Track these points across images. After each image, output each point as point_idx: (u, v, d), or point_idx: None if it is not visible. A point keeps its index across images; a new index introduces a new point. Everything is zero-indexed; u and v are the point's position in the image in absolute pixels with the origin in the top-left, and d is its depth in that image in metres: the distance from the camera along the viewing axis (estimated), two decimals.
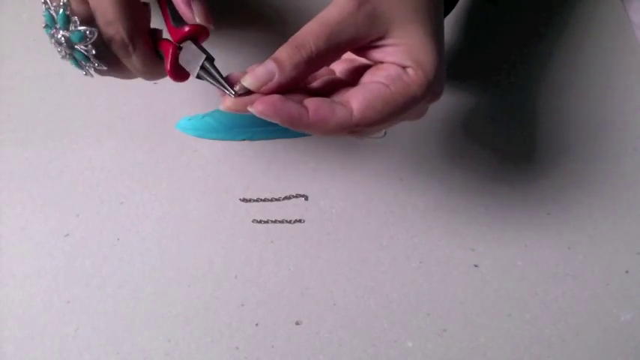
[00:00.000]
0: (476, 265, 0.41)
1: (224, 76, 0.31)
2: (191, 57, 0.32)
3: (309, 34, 0.28)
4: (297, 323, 0.39)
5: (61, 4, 0.30)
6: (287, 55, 0.28)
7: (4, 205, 0.43)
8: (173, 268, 0.41)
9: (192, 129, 0.45)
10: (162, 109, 0.46)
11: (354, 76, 0.33)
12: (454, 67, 0.47)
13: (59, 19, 0.31)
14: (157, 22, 0.34)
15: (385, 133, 0.46)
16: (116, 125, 0.46)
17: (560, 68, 0.48)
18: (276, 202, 0.43)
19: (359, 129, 0.30)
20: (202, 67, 0.32)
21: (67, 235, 0.42)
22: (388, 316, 0.39)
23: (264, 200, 0.43)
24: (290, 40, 0.29)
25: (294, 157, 0.45)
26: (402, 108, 0.29)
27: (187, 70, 0.33)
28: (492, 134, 0.45)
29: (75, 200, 0.43)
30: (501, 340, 0.39)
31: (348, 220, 0.43)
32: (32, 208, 0.43)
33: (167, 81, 0.42)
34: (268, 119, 0.28)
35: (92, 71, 0.34)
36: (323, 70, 0.34)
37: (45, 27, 0.33)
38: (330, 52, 0.29)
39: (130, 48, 0.32)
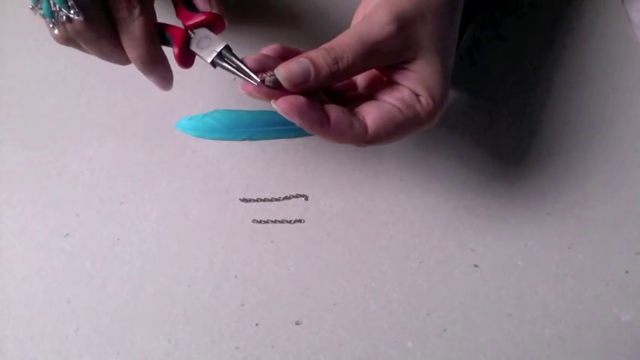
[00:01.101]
0: (476, 265, 0.41)
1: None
2: (205, 44, 0.32)
3: (348, 49, 0.29)
4: (297, 323, 0.39)
5: None
6: (325, 63, 0.28)
7: (4, 205, 0.43)
8: (173, 268, 0.41)
9: (192, 129, 0.45)
10: (163, 109, 0.46)
11: (368, 84, 0.34)
12: (455, 67, 0.47)
13: None
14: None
15: None
16: (116, 125, 0.46)
17: (561, 68, 0.48)
18: (276, 202, 0.43)
19: (368, 145, 0.31)
20: (219, 54, 0.31)
21: (67, 235, 0.42)
22: (388, 316, 0.39)
23: (264, 200, 0.43)
24: (327, 48, 0.29)
25: (294, 157, 0.45)
26: (408, 132, 0.31)
27: (201, 55, 0.32)
28: (492, 134, 0.45)
29: (75, 200, 0.43)
30: (501, 340, 0.39)
31: (348, 220, 0.42)
32: (32, 208, 0.43)
33: None
34: (288, 118, 0.28)
35: (63, 25, 0.29)
36: None
37: None
38: (363, 67, 0.30)
39: (137, 10, 0.29)
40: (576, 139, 0.45)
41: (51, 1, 0.28)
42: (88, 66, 0.48)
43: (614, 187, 0.43)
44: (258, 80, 0.29)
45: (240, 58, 0.31)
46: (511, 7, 0.51)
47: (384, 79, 0.32)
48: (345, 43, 0.29)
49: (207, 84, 0.47)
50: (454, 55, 0.34)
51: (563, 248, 0.41)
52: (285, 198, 0.43)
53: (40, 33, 0.50)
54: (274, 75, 0.29)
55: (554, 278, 0.40)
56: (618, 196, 0.43)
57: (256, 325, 0.39)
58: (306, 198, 0.43)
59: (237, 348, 0.38)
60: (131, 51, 0.31)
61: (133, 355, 0.38)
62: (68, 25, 0.29)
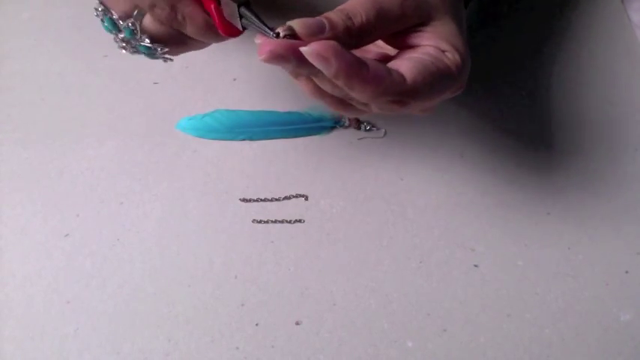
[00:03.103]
0: (476, 265, 0.41)
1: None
2: (230, 9, 0.31)
3: (360, 7, 0.28)
4: (297, 323, 0.39)
5: (132, 23, 0.32)
6: (339, 19, 0.28)
7: (4, 205, 0.43)
8: (173, 268, 0.41)
9: (193, 129, 0.45)
10: (163, 109, 0.46)
11: (384, 60, 0.33)
12: None
13: (126, 32, 0.32)
14: None
15: (385, 132, 0.46)
16: (116, 125, 0.46)
17: (561, 68, 0.48)
18: (276, 202, 0.43)
19: (407, 99, 0.29)
20: (242, 16, 0.31)
21: (67, 235, 0.42)
22: (388, 316, 0.39)
23: (264, 200, 0.43)
24: (338, 8, 0.28)
25: (294, 157, 0.45)
26: (443, 86, 0.30)
27: (232, 23, 0.32)
28: (492, 134, 0.45)
29: (75, 200, 0.43)
30: (501, 340, 0.39)
31: (348, 220, 0.42)
32: (32, 208, 0.43)
33: (167, 81, 0.42)
34: (322, 64, 0.26)
35: (166, 55, 0.34)
36: None
37: (102, 23, 0.33)
38: (377, 28, 0.29)
39: (179, 17, 0.32)
40: (576, 139, 0.45)
41: (143, 52, 0.34)
42: (88, 66, 0.48)
43: (614, 187, 0.43)
44: (273, 34, 0.28)
45: (259, 15, 0.30)
46: (509, 7, 0.51)
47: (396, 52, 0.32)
48: (356, 2, 0.29)
49: (208, 84, 0.47)
50: (464, 16, 0.34)
51: (563, 248, 0.41)
52: (285, 198, 0.43)
53: (40, 33, 0.50)
54: (288, 25, 0.27)
55: (554, 278, 0.40)
56: (618, 196, 0.43)
57: (256, 325, 0.39)
58: (306, 198, 0.43)
59: (237, 348, 0.38)
60: (198, 43, 0.35)
61: (133, 355, 0.38)
62: (169, 54, 0.34)
